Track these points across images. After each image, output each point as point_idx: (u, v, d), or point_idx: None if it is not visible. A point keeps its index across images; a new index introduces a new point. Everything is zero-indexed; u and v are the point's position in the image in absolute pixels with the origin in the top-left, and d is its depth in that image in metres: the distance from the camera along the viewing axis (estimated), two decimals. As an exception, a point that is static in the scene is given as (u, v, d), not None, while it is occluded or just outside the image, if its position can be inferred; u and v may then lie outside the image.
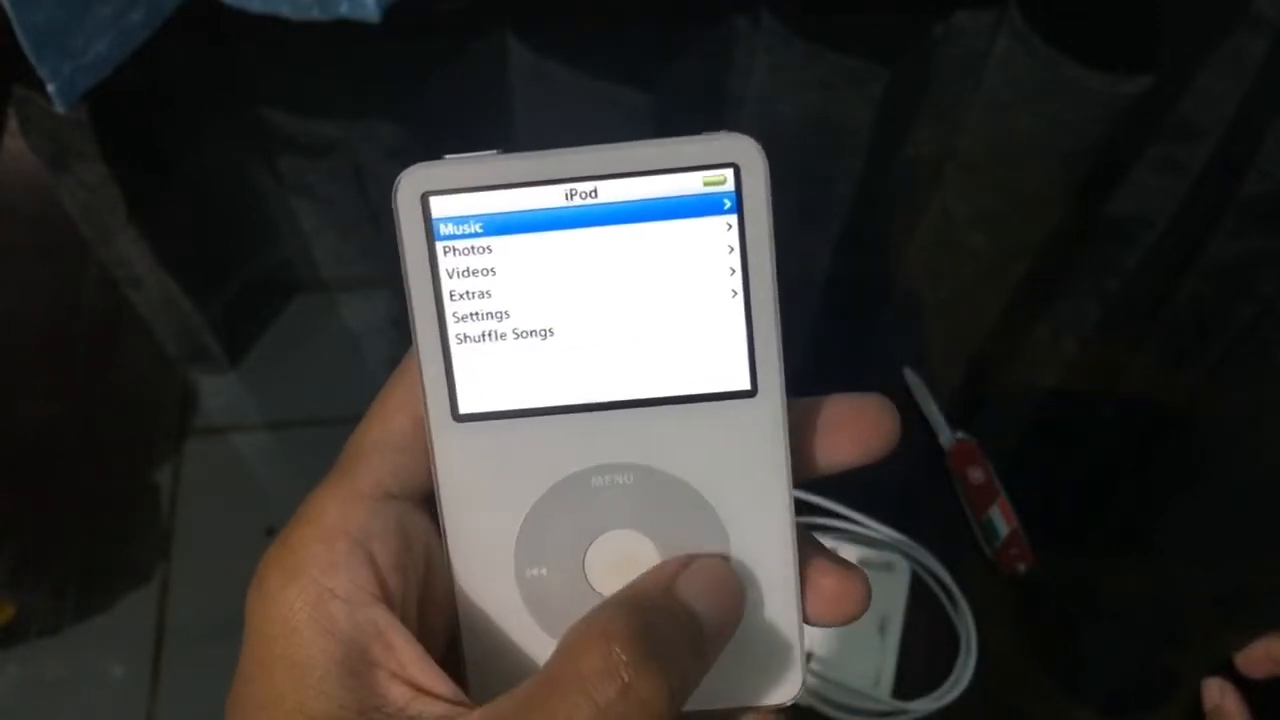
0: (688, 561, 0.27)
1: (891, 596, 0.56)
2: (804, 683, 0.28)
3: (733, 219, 0.27)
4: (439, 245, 0.27)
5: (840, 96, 0.72)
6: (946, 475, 0.60)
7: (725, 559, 0.27)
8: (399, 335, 0.65)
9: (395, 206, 0.27)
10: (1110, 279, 0.68)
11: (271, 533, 0.25)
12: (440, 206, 0.27)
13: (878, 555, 0.57)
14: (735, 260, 0.27)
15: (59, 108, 0.68)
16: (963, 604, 0.56)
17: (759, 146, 0.27)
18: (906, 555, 0.57)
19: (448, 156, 0.27)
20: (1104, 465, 0.63)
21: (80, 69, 0.68)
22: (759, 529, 0.28)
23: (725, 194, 0.27)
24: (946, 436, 0.61)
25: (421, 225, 0.27)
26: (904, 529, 0.57)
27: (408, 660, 0.25)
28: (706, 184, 0.27)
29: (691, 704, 0.27)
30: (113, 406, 0.65)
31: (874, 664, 0.54)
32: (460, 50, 0.75)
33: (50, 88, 0.67)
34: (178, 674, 0.56)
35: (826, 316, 0.66)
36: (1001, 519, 0.58)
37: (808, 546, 0.28)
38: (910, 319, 0.66)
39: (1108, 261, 0.69)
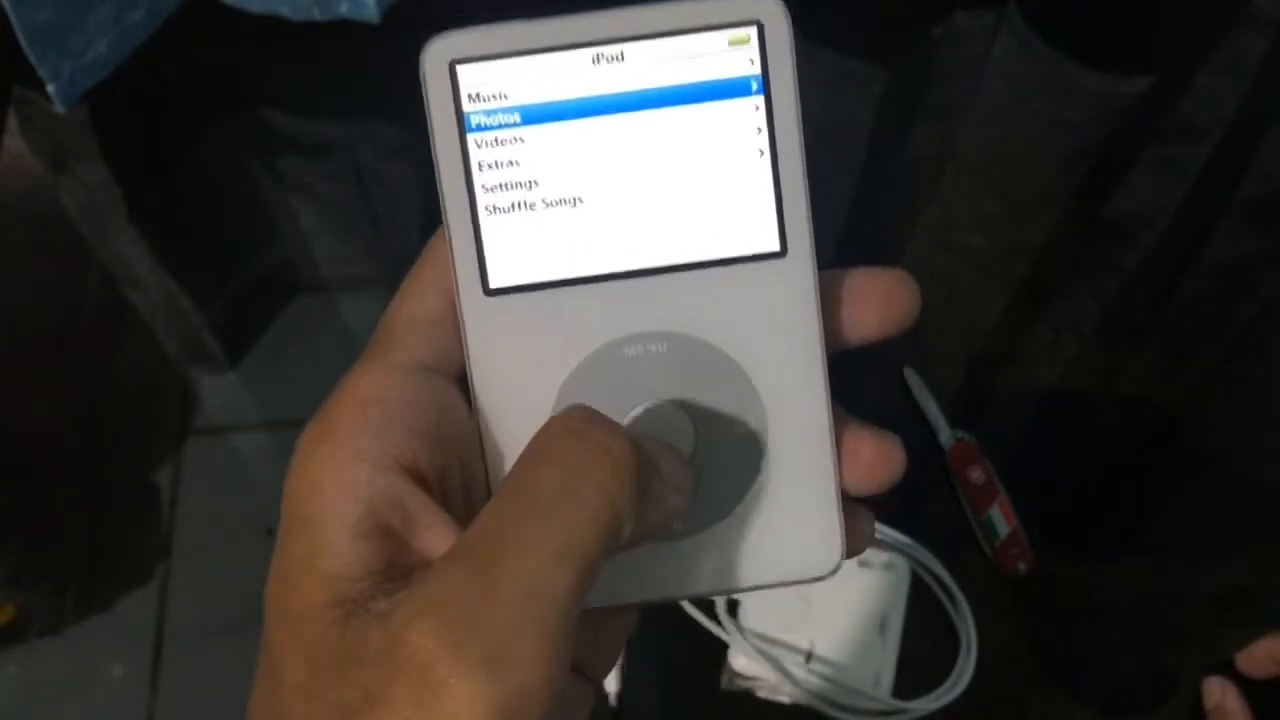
0: None
1: (891, 596, 0.56)
2: (843, 554, 0.28)
3: (760, 91, 0.27)
4: (467, 114, 0.27)
5: (840, 96, 0.72)
6: (946, 475, 0.60)
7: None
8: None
9: (422, 76, 0.27)
10: (1110, 279, 0.68)
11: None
12: (468, 75, 0.27)
13: (877, 555, 0.57)
14: (761, 119, 0.27)
15: (59, 108, 0.68)
16: (963, 604, 0.56)
17: (783, 4, 0.27)
18: (906, 555, 0.57)
19: (473, 25, 0.27)
20: (1104, 465, 0.63)
21: (80, 69, 0.68)
22: (794, 392, 0.27)
23: (752, 76, 0.27)
24: (946, 436, 0.61)
25: (449, 95, 0.27)
26: (904, 529, 0.57)
27: (429, 530, 0.25)
28: (732, 43, 0.27)
29: (727, 585, 0.27)
30: (113, 407, 0.65)
31: (874, 664, 0.54)
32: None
33: (50, 88, 0.67)
34: (178, 674, 0.56)
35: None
36: (1001, 519, 0.58)
37: (837, 412, 0.28)
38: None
39: (1107, 261, 0.69)
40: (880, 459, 0.28)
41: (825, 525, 0.27)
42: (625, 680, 0.54)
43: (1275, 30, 0.75)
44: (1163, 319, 0.68)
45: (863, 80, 0.73)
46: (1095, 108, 0.73)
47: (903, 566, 0.57)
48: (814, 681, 0.53)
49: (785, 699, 0.54)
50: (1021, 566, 0.57)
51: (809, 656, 0.54)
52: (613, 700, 0.54)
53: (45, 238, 0.71)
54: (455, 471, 0.27)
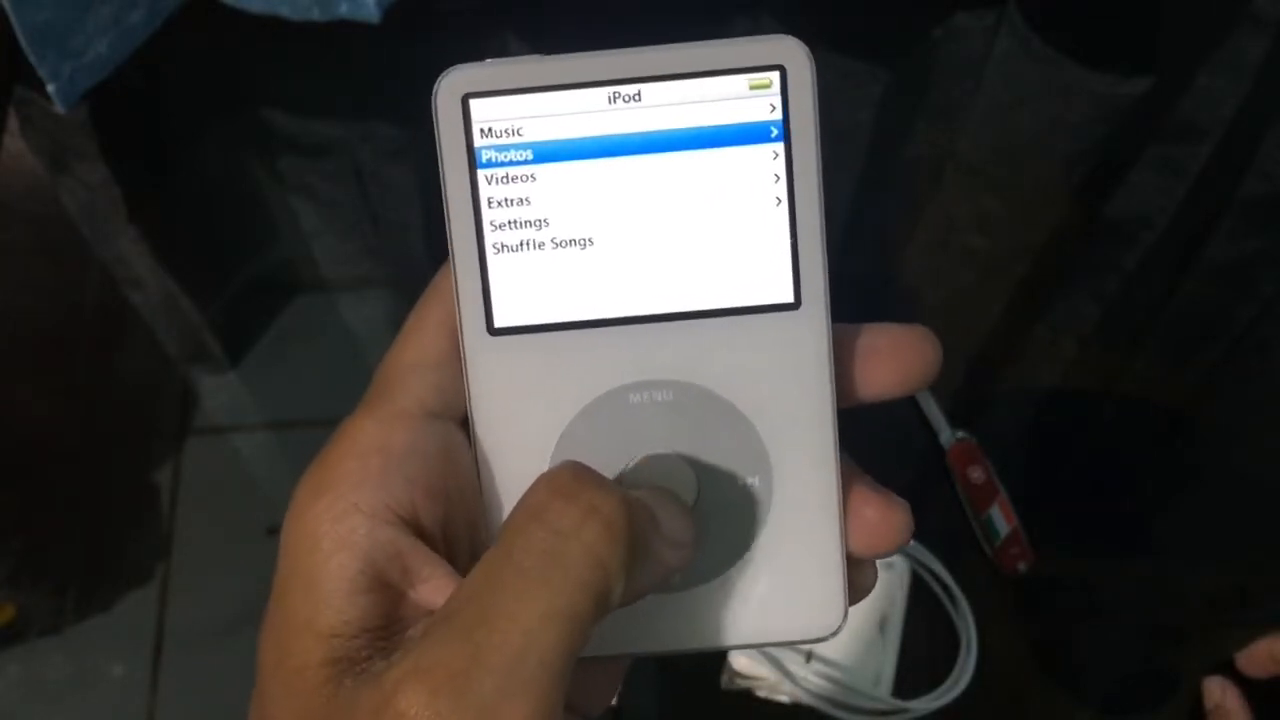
0: None
1: (891, 596, 0.56)
2: (846, 615, 0.27)
3: (779, 138, 0.26)
4: (478, 149, 0.26)
5: (840, 97, 0.72)
6: (946, 475, 0.60)
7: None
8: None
9: (435, 109, 0.26)
10: (1110, 279, 0.68)
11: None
12: (480, 109, 0.26)
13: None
14: (780, 167, 0.26)
15: (59, 108, 0.68)
16: (963, 604, 0.56)
17: (806, 49, 0.26)
18: (906, 554, 0.57)
19: (489, 60, 0.26)
20: (1104, 465, 0.63)
21: (80, 69, 0.68)
22: (801, 449, 0.27)
23: (772, 122, 0.26)
24: (946, 436, 0.61)
25: (461, 128, 0.26)
26: (904, 529, 0.57)
27: (428, 583, 0.25)
28: (752, 87, 0.26)
29: (724, 641, 0.27)
30: (113, 406, 0.65)
31: (874, 663, 0.54)
32: (460, 50, 0.75)
33: (50, 88, 0.67)
34: (178, 674, 0.56)
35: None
36: (1001, 518, 0.58)
37: (846, 471, 0.27)
38: (910, 319, 0.66)
39: (1107, 262, 0.69)
40: (886, 523, 0.27)
41: (828, 586, 0.27)
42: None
43: (1275, 30, 0.75)
44: (1163, 319, 0.68)
45: (863, 81, 0.73)
46: (1095, 108, 0.73)
47: (903, 566, 0.57)
48: (814, 681, 0.53)
49: (785, 699, 0.54)
50: (1021, 566, 0.57)
51: (809, 656, 0.54)
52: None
53: (45, 238, 0.71)
54: (460, 520, 0.26)
